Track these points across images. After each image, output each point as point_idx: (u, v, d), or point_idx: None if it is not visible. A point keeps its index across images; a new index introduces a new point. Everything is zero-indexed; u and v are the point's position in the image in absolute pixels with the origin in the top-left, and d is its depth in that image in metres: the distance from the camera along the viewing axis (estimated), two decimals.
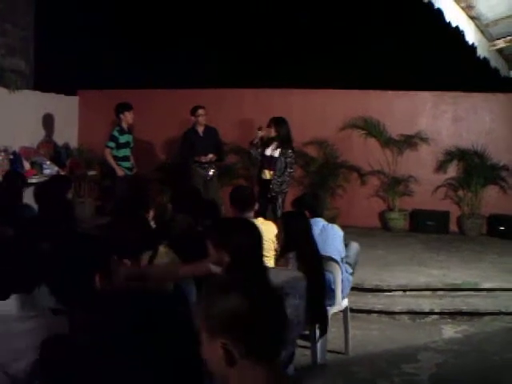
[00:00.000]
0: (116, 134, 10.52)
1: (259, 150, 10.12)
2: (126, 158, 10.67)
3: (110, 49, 13.96)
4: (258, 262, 4.15)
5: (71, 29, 13.44)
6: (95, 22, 13.86)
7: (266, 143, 10.10)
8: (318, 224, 6.81)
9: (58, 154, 12.05)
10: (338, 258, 6.64)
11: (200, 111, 11.00)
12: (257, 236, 4.14)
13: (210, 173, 10.85)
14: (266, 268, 4.33)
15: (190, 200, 6.60)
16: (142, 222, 4.78)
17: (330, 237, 6.77)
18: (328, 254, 6.54)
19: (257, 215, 6.67)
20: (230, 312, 1.95)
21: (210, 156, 10.78)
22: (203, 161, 10.76)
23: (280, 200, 9.84)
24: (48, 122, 12.23)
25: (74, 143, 13.14)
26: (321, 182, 12.37)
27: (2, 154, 10.43)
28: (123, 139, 10.57)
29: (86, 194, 12.65)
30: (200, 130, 11.02)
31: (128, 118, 10.62)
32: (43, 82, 12.54)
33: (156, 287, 4.26)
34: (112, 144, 10.49)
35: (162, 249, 4.78)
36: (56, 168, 11.25)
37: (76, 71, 13.09)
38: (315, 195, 7.88)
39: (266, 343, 1.98)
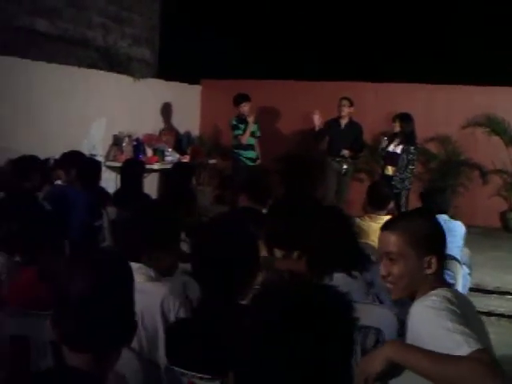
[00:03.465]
0: (235, 122, 10.56)
1: (384, 144, 10.02)
2: (249, 147, 10.60)
3: (233, 39, 14.10)
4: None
5: (196, 19, 13.66)
6: (219, 13, 14.05)
7: (389, 139, 10.00)
8: (439, 220, 6.68)
9: (179, 142, 12.26)
10: (458, 255, 6.49)
11: (343, 102, 10.64)
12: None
13: (344, 167, 10.55)
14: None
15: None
16: None
17: (450, 234, 6.61)
18: (449, 253, 6.39)
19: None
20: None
21: (345, 152, 10.47)
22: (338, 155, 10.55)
23: (403, 196, 9.69)
24: (171, 110, 12.46)
25: (195, 131, 13.33)
26: (441, 179, 12.11)
27: (126, 140, 10.72)
28: (243, 128, 10.58)
29: (206, 183, 12.80)
30: (342, 122, 10.71)
31: (244, 109, 10.56)
32: (167, 71, 12.80)
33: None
34: (239, 131, 10.50)
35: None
36: (177, 155, 11.46)
37: (200, 60, 13.28)
38: (440, 190, 7.68)
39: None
